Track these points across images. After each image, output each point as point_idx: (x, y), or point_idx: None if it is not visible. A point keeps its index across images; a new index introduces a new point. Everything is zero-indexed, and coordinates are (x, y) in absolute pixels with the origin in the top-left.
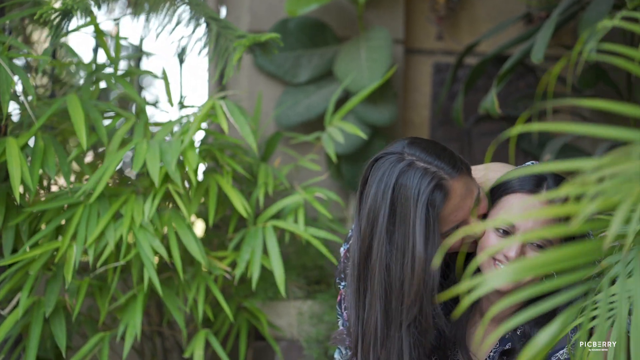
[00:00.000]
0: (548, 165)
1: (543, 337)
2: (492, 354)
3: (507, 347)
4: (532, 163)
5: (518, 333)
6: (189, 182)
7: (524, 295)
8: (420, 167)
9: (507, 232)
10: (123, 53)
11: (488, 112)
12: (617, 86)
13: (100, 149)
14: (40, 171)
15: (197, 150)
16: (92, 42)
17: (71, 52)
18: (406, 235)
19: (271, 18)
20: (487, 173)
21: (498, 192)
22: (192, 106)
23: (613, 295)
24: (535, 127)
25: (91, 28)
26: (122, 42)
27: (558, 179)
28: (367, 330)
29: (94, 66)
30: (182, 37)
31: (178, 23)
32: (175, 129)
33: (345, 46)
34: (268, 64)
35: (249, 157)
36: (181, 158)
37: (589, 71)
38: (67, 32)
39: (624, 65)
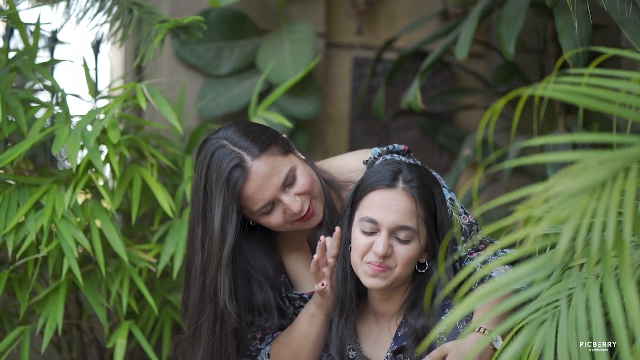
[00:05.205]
0: (504, 198)
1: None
2: (388, 353)
3: (402, 344)
4: (394, 146)
5: (409, 330)
6: (112, 172)
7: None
8: (227, 148)
9: (372, 233)
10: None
11: (410, 107)
12: (531, 82)
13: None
14: None
15: (121, 139)
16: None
17: None
18: (210, 214)
19: (191, 9)
20: (336, 157)
21: (359, 192)
22: (110, 97)
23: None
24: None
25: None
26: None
27: (412, 167)
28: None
29: (9, 54)
30: (103, 23)
31: (100, 9)
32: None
33: (268, 38)
34: (189, 55)
35: (174, 147)
36: (104, 150)
37: (503, 67)
38: None
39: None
